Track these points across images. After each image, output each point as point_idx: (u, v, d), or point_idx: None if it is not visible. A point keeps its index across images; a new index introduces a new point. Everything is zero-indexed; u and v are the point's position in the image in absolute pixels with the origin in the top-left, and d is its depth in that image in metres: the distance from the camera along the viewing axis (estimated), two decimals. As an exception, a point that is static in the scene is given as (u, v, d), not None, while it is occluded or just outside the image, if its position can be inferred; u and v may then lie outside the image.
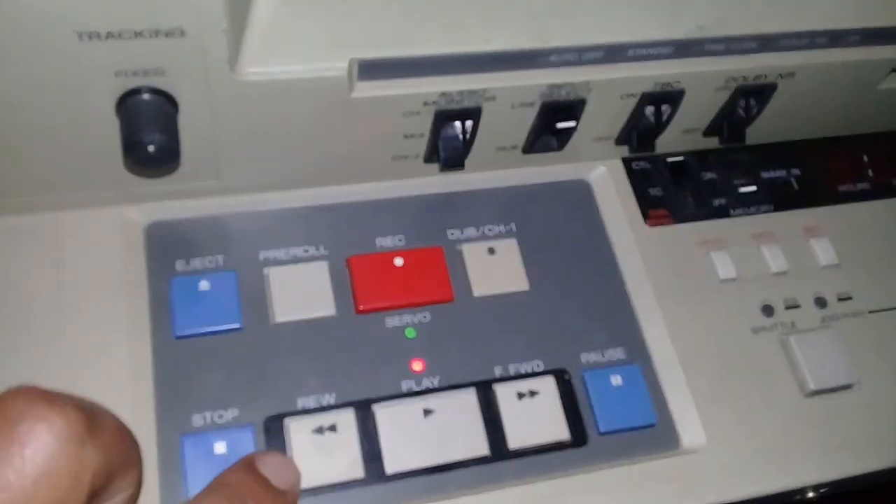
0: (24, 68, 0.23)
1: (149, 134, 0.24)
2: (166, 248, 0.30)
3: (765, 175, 0.37)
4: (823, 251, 0.36)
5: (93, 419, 0.19)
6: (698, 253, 0.35)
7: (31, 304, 0.28)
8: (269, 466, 0.24)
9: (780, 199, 0.37)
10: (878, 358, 0.34)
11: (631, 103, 0.32)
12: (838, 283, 0.35)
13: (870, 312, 0.35)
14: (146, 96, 0.25)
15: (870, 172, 0.39)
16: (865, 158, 0.39)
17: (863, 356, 0.34)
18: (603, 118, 0.33)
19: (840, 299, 0.35)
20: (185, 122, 0.26)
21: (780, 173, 0.38)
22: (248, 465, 0.24)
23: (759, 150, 0.38)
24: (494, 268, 0.33)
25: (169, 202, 0.30)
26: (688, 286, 0.34)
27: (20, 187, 0.28)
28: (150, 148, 0.24)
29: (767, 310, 0.34)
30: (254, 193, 0.31)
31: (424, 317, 0.31)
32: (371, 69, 0.27)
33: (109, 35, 0.23)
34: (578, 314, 0.33)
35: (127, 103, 0.25)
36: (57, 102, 0.24)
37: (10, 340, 0.27)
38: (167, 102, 0.25)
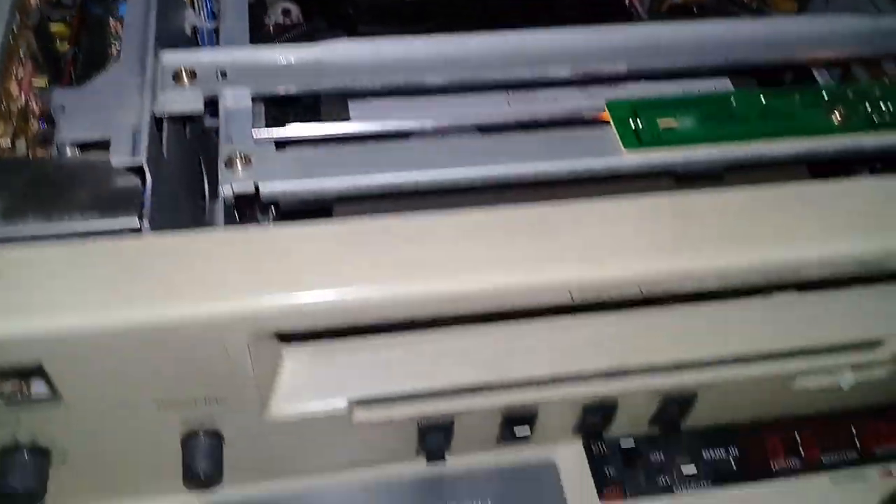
0: (117, 424, 0.34)
1: (200, 463, 0.35)
2: (215, 529, 0.40)
3: (706, 456, 0.45)
4: (754, 526, 0.43)
5: None
6: (644, 527, 0.42)
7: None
8: None
9: (718, 476, 0.44)
10: None
11: (576, 410, 0.41)
12: (765, 557, 0.42)
13: (792, 583, 0.41)
14: (201, 436, 0.35)
15: (801, 451, 0.46)
16: (797, 437, 0.46)
17: None
18: (557, 421, 0.42)
19: (766, 571, 0.41)
20: (229, 449, 0.36)
21: (720, 453, 0.45)
22: None
23: (701, 433, 0.46)
24: (472, 540, 0.41)
25: (219, 490, 0.40)
26: (633, 558, 0.41)
27: (110, 491, 0.38)
28: (201, 475, 0.34)
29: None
30: (285, 482, 0.41)
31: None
32: (366, 404, 0.37)
33: (178, 404, 0.34)
34: (539, 582, 0.40)
35: (188, 441, 0.35)
36: (139, 444, 0.35)
37: None
38: (216, 439, 0.36)
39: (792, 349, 0.41)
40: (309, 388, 0.37)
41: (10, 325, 0.28)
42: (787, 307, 0.42)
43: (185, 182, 0.38)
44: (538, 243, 0.32)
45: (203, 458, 0.35)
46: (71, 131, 0.33)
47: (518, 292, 0.32)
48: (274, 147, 0.35)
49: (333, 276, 0.30)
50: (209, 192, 0.39)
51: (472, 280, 0.31)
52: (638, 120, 0.37)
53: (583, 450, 0.45)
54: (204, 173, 0.39)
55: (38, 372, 0.30)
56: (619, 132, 0.37)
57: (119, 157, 0.32)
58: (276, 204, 0.34)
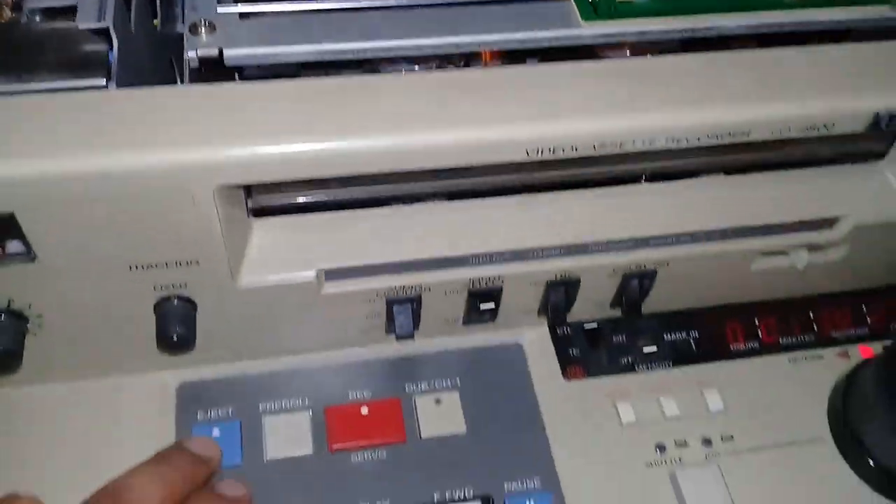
0: (91, 286, 0.35)
1: (173, 327, 0.36)
2: (191, 402, 0.41)
3: (666, 337, 0.47)
4: (712, 400, 0.44)
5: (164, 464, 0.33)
6: (606, 402, 0.44)
7: (88, 448, 0.39)
8: (195, 443, 0.36)
9: (678, 357, 0.46)
10: (753, 488, 0.42)
11: (540, 289, 0.43)
12: (723, 426, 0.43)
13: (748, 450, 0.43)
14: (174, 302, 0.36)
15: (759, 333, 0.48)
16: (756, 321, 0.48)
17: (740, 486, 0.41)
18: (522, 299, 0.43)
19: (723, 439, 0.43)
20: (202, 316, 0.37)
21: (681, 335, 0.47)
22: (178, 444, 0.36)
23: (663, 317, 0.47)
24: (439, 414, 0.42)
25: (195, 367, 0.42)
26: (595, 428, 0.43)
27: (87, 360, 0.40)
28: (174, 337, 0.36)
29: (660, 448, 0.43)
30: (258, 359, 0.43)
31: (382, 454, 0.41)
32: (334, 275, 0.39)
33: (149, 266, 0.35)
34: (505, 451, 0.42)
35: (161, 306, 0.36)
36: (115, 308, 0.36)
37: (71, 477, 0.38)
38: (189, 305, 0.37)
39: (749, 227, 0.43)
40: (279, 258, 0.38)
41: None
42: (745, 187, 0.43)
43: (152, 52, 0.38)
44: (499, 101, 0.33)
45: (176, 322, 0.36)
46: (40, -1, 0.34)
47: (477, 146, 0.33)
48: (238, 17, 0.35)
49: (295, 127, 0.31)
50: (175, 65, 0.39)
51: (431, 133, 0.33)
52: (595, -7, 0.38)
53: (547, 332, 0.46)
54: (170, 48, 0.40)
55: (12, 226, 0.31)
56: (577, 4, 0.38)
57: (85, 21, 0.33)
58: (241, 70, 0.35)
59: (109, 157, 0.30)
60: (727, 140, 0.36)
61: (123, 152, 0.30)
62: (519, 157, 0.34)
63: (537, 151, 0.34)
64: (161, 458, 0.35)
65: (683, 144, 0.35)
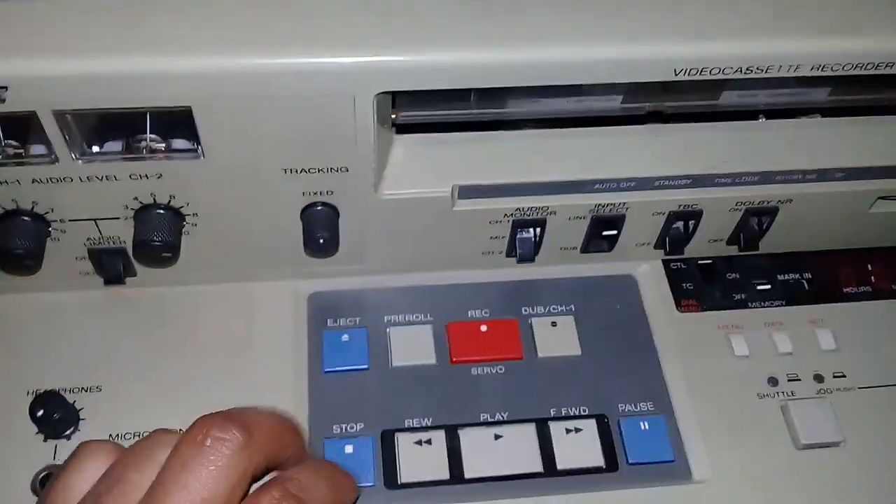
0: (246, 189, 0.37)
1: (320, 231, 0.38)
2: (321, 310, 0.43)
3: (780, 277, 0.47)
4: (825, 339, 0.45)
5: (250, 431, 0.27)
6: (719, 335, 0.45)
7: (227, 346, 0.41)
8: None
9: (791, 296, 0.46)
10: (864, 423, 0.42)
11: (661, 220, 0.43)
12: (835, 364, 0.44)
13: (860, 388, 0.43)
14: (320, 207, 0.38)
15: (872, 279, 0.48)
16: (869, 267, 0.48)
17: (850, 421, 0.42)
18: (641, 229, 0.44)
19: (835, 376, 0.44)
20: (343, 224, 0.39)
21: (794, 276, 0.47)
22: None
23: (777, 258, 0.48)
24: (555, 337, 0.44)
25: (325, 279, 0.44)
26: (708, 359, 0.44)
27: (230, 265, 0.42)
28: (321, 240, 0.38)
29: (773, 381, 0.43)
30: (384, 275, 0.44)
31: (500, 369, 0.43)
32: (467, 192, 0.40)
33: (302, 170, 0.37)
34: (618, 375, 0.43)
35: (308, 212, 0.38)
36: (264, 211, 0.38)
37: (212, 370, 0.40)
38: (333, 212, 0.39)
39: (873, 167, 0.43)
40: (417, 173, 0.40)
41: (169, 64, 0.31)
42: (870, 127, 0.43)
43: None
44: (647, 18, 0.34)
45: (323, 226, 0.38)
46: None
47: (629, 63, 0.34)
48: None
49: (453, 38, 0.33)
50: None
51: (586, 47, 0.34)
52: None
53: (661, 265, 0.47)
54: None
55: (186, 122, 0.33)
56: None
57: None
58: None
59: (283, 56, 0.32)
60: (869, 71, 0.36)
61: (297, 53, 0.32)
62: (667, 76, 0.35)
63: (686, 72, 0.34)
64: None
65: (828, 72, 0.36)
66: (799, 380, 0.43)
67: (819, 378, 0.44)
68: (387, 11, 0.33)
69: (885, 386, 0.43)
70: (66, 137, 0.33)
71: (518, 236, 0.43)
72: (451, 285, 0.45)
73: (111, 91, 0.32)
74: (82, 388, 0.39)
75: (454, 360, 0.42)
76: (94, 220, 0.38)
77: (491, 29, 0.33)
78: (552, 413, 0.41)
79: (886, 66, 0.36)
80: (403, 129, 0.40)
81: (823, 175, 0.42)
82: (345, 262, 0.42)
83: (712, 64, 0.34)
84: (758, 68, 0.35)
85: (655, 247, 0.46)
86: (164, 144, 0.35)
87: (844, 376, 0.44)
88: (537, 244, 0.43)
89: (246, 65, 0.32)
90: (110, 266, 0.39)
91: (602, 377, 0.43)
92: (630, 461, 0.40)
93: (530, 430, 0.41)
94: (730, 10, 0.35)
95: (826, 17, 0.36)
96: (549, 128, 0.42)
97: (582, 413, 0.42)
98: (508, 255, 0.44)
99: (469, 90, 0.38)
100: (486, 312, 0.44)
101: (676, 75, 0.35)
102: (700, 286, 0.46)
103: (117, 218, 0.37)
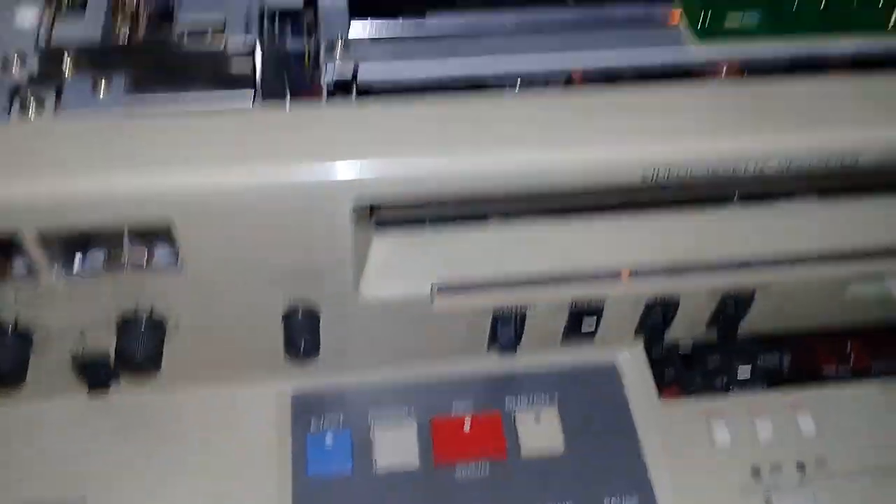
0: (227, 298, 0.38)
1: (301, 338, 0.38)
2: (305, 410, 0.43)
3: (759, 360, 0.48)
4: (805, 424, 0.45)
5: None
6: (700, 421, 0.45)
7: (210, 451, 0.41)
8: None
9: (771, 380, 0.47)
10: (847, 512, 0.42)
11: (639, 309, 0.44)
12: (816, 451, 0.44)
13: (841, 475, 0.44)
14: (300, 314, 0.38)
15: (851, 358, 0.48)
16: (848, 346, 0.49)
17: (834, 510, 0.42)
18: (620, 319, 0.45)
19: (817, 464, 0.44)
20: (325, 326, 0.40)
21: (773, 358, 0.48)
22: None
23: (756, 339, 0.48)
24: (539, 432, 0.44)
25: (308, 378, 0.44)
26: (691, 449, 0.44)
27: (212, 369, 0.42)
28: (301, 348, 0.38)
29: (755, 472, 0.43)
30: (367, 370, 0.44)
31: (484, 471, 0.42)
32: (445, 290, 0.41)
33: (283, 278, 0.37)
34: (602, 469, 0.43)
35: (289, 317, 0.39)
36: (245, 319, 0.39)
37: (196, 476, 0.40)
38: (314, 316, 0.39)
39: (848, 252, 0.43)
40: (396, 272, 0.40)
41: (151, 181, 0.32)
42: (844, 211, 0.44)
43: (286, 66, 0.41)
44: (614, 122, 0.35)
45: (304, 332, 0.38)
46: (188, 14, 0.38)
47: (593, 168, 0.35)
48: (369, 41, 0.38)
49: (437, 146, 0.34)
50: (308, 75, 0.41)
51: (556, 154, 0.34)
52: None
53: (642, 352, 0.47)
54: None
55: (166, 236, 0.34)
56: (687, 19, 0.40)
57: (234, 37, 0.36)
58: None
59: (265, 172, 0.32)
60: (837, 164, 0.37)
61: (279, 168, 0.32)
62: (634, 180, 0.36)
63: (654, 176, 0.35)
64: None
65: (797, 167, 0.36)
66: (781, 470, 0.43)
67: (801, 466, 0.44)
68: (363, 124, 0.34)
69: (866, 472, 0.44)
70: (48, 255, 0.34)
71: (499, 330, 0.43)
72: (435, 377, 0.45)
73: (92, 211, 0.32)
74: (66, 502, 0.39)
75: (437, 461, 0.42)
76: (78, 330, 0.38)
77: (468, 137, 0.34)
78: (538, 510, 0.41)
79: (853, 158, 0.37)
80: (383, 222, 0.41)
81: (798, 260, 0.43)
82: (327, 362, 0.43)
83: (683, 167, 0.35)
84: (731, 167, 0.36)
85: (636, 333, 0.46)
86: (145, 257, 0.36)
87: (826, 463, 0.44)
88: (517, 336, 0.43)
89: (220, 182, 0.32)
90: (94, 375, 0.40)
91: (587, 473, 0.43)
92: (616, 556, 0.40)
93: (517, 527, 0.40)
94: (700, 112, 0.37)
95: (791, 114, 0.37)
96: (527, 216, 0.42)
97: (567, 510, 0.42)
98: (489, 347, 0.45)
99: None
100: (469, 405, 0.44)
101: (648, 180, 0.35)
102: (681, 371, 0.47)
103: (100, 329, 0.38)
